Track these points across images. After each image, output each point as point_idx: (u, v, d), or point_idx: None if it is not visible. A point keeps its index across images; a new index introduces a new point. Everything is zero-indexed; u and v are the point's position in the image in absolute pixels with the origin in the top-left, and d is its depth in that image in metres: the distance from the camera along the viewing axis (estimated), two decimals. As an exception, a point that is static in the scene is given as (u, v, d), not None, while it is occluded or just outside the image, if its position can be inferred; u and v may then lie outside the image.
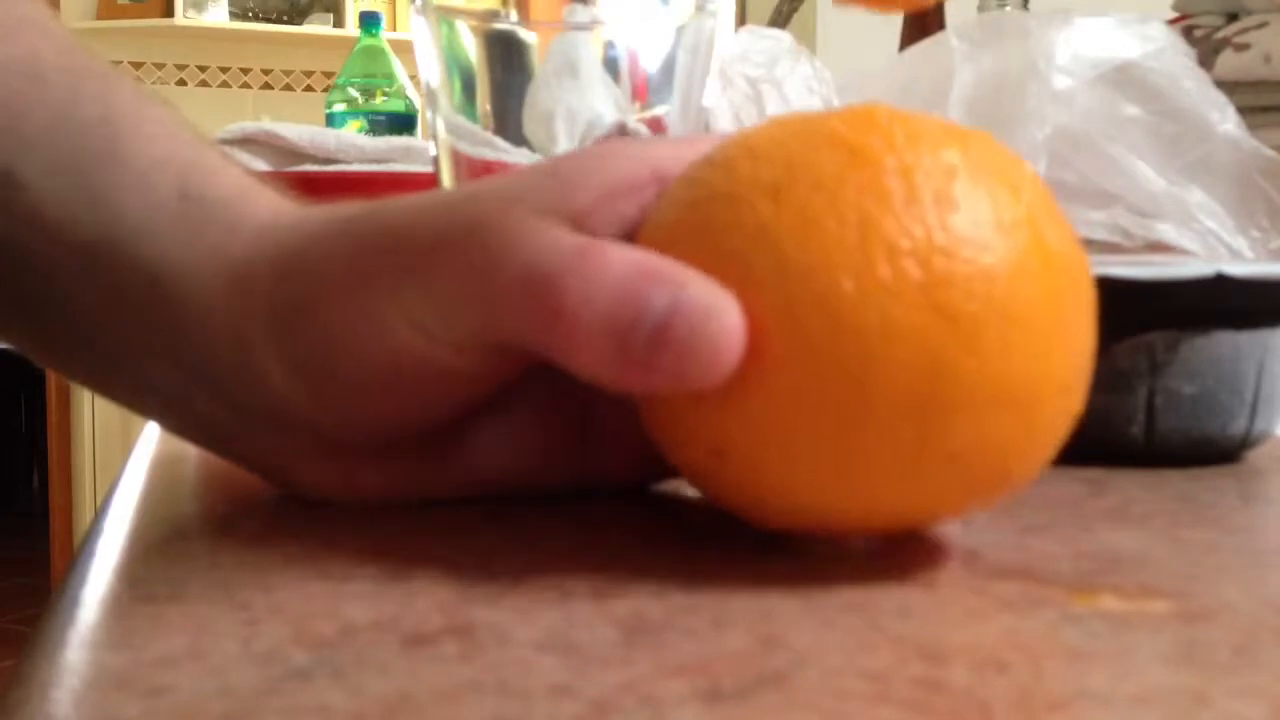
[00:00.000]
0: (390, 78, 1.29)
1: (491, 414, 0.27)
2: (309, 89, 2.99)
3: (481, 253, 0.23)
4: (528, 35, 0.39)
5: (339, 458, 0.27)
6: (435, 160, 0.39)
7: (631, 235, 0.24)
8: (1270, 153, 0.56)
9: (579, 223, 0.24)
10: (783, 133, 0.22)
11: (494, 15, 0.40)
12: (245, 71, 2.99)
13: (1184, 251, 0.54)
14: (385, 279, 0.25)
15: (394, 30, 2.61)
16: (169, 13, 2.81)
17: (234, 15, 2.94)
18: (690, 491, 0.30)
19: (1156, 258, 0.40)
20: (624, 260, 0.22)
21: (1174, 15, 0.86)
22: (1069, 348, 0.22)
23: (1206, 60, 0.78)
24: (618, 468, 0.28)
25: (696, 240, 0.22)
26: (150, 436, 0.37)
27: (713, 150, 0.23)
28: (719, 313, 0.21)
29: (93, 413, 2.60)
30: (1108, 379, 0.33)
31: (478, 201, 0.25)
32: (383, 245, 0.25)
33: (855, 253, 0.20)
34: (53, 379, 2.58)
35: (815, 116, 0.22)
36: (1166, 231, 0.54)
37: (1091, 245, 0.55)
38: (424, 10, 0.37)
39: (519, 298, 0.23)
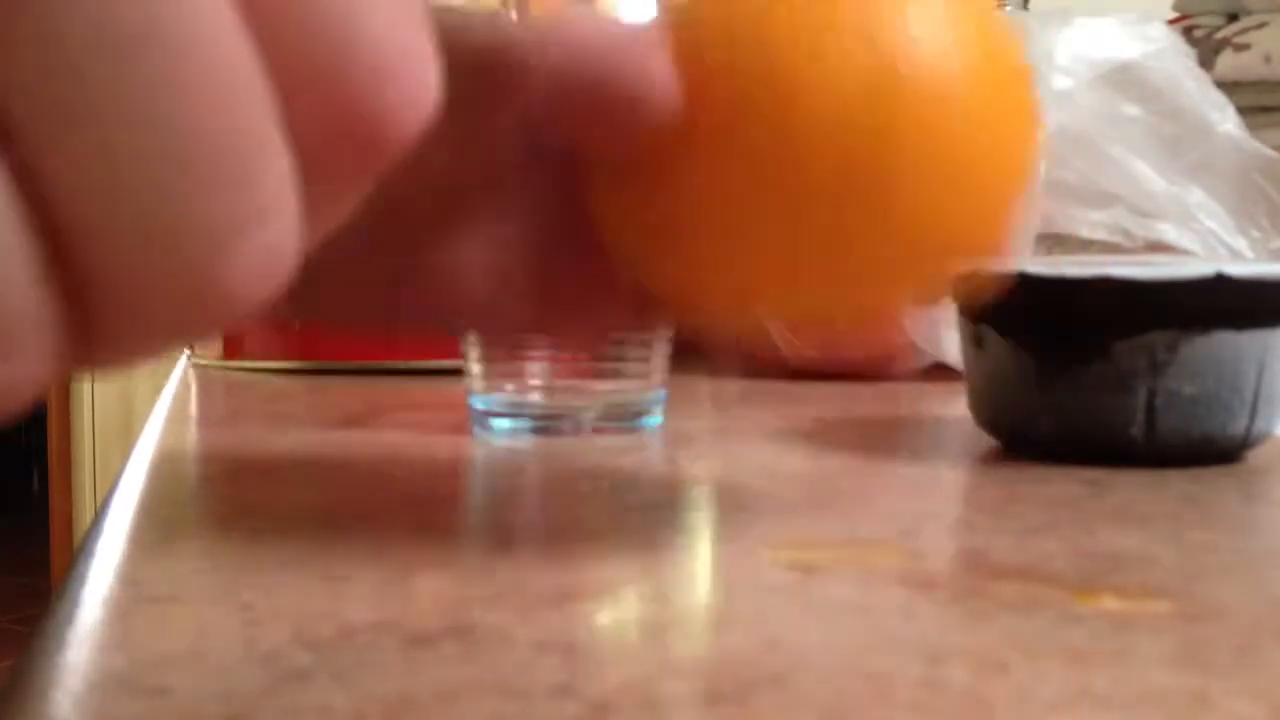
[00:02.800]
0: (390, 78, 1.28)
1: (456, 238, 0.27)
2: (309, 89, 2.99)
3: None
4: (528, 35, 0.39)
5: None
6: (435, 160, 0.38)
7: None
8: (1270, 153, 0.56)
9: None
10: None
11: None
12: (245, 71, 2.99)
13: (1184, 251, 0.54)
14: None
15: (394, 30, 2.61)
16: (169, 13, 2.81)
17: (234, 15, 2.94)
18: (690, 493, 0.30)
19: (1156, 258, 0.40)
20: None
21: (1174, 15, 0.86)
22: (1010, 129, 0.22)
23: (1206, 60, 0.78)
24: (574, 311, 0.28)
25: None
26: (150, 436, 0.37)
27: None
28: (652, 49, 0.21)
29: (93, 413, 2.60)
30: (1108, 379, 0.33)
31: None
32: None
33: (804, 30, 0.21)
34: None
35: None
36: (1166, 231, 0.54)
37: (1091, 245, 0.55)
38: (424, 10, 0.37)
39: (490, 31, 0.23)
